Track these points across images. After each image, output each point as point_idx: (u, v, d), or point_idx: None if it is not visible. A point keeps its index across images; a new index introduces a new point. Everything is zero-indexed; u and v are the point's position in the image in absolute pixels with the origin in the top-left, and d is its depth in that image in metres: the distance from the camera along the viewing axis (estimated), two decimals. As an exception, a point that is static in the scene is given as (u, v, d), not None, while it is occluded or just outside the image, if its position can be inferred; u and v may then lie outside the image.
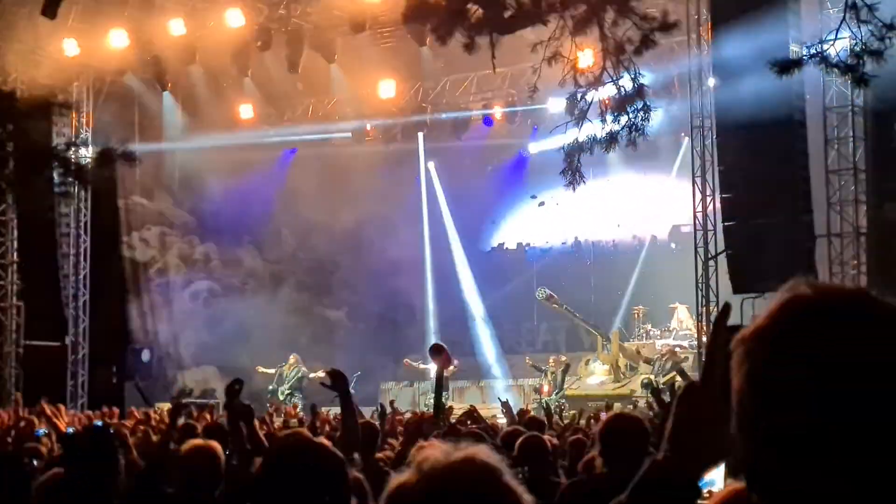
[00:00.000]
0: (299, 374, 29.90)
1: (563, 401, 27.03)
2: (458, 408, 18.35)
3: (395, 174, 36.06)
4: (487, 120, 33.42)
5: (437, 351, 13.10)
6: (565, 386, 28.30)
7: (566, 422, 15.30)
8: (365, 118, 34.20)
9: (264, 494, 3.52)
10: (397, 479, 2.19)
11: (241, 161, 34.37)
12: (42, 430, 12.09)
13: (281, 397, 29.28)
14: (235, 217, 34.98)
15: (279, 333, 32.62)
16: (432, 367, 29.60)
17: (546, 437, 8.73)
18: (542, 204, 35.40)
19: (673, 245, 34.25)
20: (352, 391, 7.41)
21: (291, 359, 30.40)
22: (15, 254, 27.97)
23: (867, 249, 21.02)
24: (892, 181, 19.54)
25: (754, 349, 1.61)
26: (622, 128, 15.44)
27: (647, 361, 27.94)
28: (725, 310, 2.16)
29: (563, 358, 29.96)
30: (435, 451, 2.20)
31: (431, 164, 37.44)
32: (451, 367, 19.11)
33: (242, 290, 35.66)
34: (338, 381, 6.70)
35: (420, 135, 35.57)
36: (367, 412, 17.20)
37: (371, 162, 35.48)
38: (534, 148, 34.97)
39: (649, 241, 35.78)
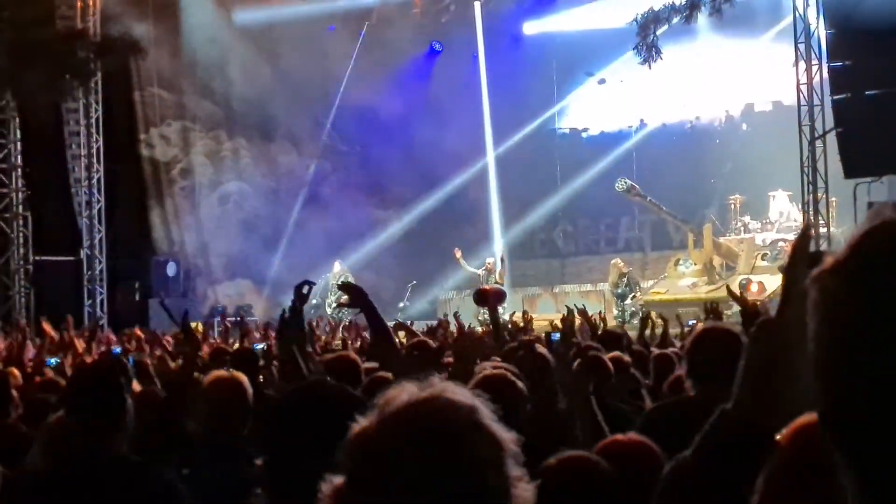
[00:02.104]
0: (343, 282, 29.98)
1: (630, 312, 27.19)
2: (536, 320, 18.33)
3: (448, 53, 35.72)
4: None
5: (482, 299, 13.15)
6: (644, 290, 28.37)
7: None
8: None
9: (273, 446, 3.44)
10: (358, 424, 2.20)
11: (272, 40, 34.16)
12: (53, 359, 12.09)
13: (329, 311, 29.37)
14: (267, 106, 34.84)
15: (322, 239, 32.65)
16: (485, 273, 29.74)
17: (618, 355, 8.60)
18: (602, 82, 35.14)
19: (770, 124, 33.69)
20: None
21: (336, 266, 30.52)
22: (19, 157, 27.96)
23: None
24: None
25: (833, 288, 1.51)
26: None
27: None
28: (805, 234, 2.11)
29: (621, 264, 29.97)
30: (399, 390, 2.20)
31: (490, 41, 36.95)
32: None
33: (278, 192, 35.65)
34: (356, 296, 6.61)
35: (477, 5, 35.20)
36: (424, 327, 17.24)
37: (421, 37, 35.15)
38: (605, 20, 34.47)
39: (745, 119, 35.26)
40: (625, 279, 29.76)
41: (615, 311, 28.27)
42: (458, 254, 31.11)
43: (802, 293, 1.58)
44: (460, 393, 2.21)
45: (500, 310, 13.89)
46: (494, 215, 35.94)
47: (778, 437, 2.21)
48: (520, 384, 5.95)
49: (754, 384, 2.09)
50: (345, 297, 6.73)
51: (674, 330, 15.91)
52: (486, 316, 27.30)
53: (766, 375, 2.07)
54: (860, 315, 1.46)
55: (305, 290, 7.01)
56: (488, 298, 12.97)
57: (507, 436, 2.18)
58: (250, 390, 6.04)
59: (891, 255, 1.48)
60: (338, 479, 2.27)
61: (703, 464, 2.15)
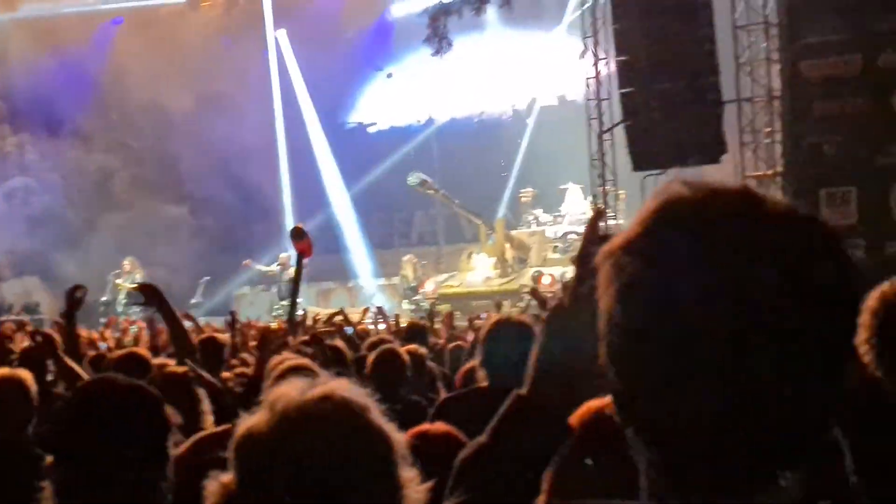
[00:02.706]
0: (138, 281, 29.46)
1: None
2: (325, 313, 18.27)
3: (239, 45, 35.36)
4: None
5: (298, 235, 12.88)
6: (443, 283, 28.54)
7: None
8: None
9: (64, 444, 3.34)
10: (247, 421, 2.17)
11: (57, 33, 33.39)
12: None
13: (119, 309, 28.88)
14: (53, 101, 34.01)
15: (111, 236, 32.06)
16: (279, 269, 29.58)
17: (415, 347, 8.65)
18: (390, 76, 35.33)
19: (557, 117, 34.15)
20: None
21: (126, 263, 29.96)
22: None
23: (781, 115, 21.20)
24: (807, 36, 19.62)
25: (623, 263, 1.51)
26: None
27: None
28: (597, 215, 2.14)
29: (414, 259, 30.26)
30: (289, 387, 2.18)
31: (282, 32, 36.72)
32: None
33: (66, 187, 34.83)
34: (150, 295, 6.55)
35: (267, -2, 35.05)
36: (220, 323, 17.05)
37: (210, 31, 34.73)
38: (398, 10, 34.62)
39: (531, 113, 35.72)
40: (415, 274, 29.97)
41: (406, 306, 28.40)
42: (248, 263, 31.01)
43: (595, 273, 1.56)
44: (352, 391, 2.19)
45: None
46: (287, 210, 35.77)
47: (570, 419, 2.24)
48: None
49: (547, 368, 2.09)
50: (137, 295, 6.66)
51: (461, 323, 16.07)
52: (279, 312, 27.22)
53: (559, 358, 2.07)
54: (652, 290, 1.46)
55: (78, 295, 6.94)
56: (304, 237, 12.68)
57: (398, 437, 2.19)
58: (34, 388, 5.89)
59: (680, 230, 1.48)
60: (225, 477, 2.21)
61: (498, 446, 2.16)
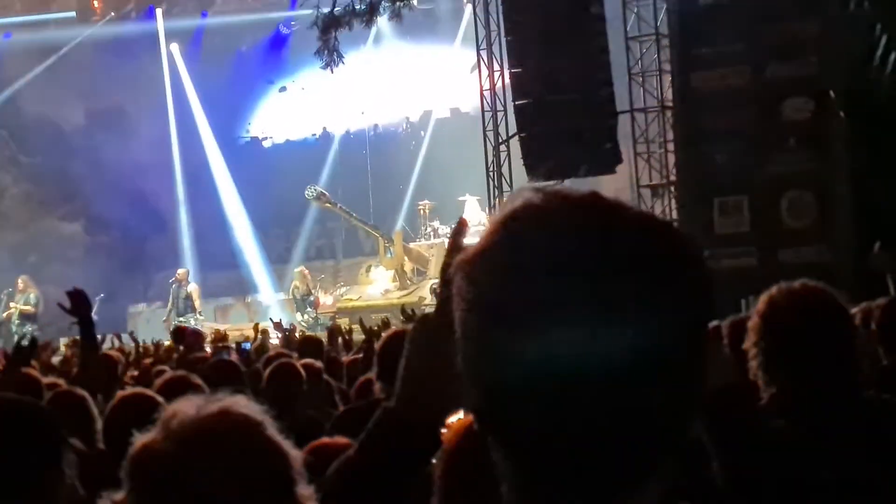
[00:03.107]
0: (32, 300, 29.09)
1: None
2: (223, 329, 18.19)
3: (132, 60, 35.04)
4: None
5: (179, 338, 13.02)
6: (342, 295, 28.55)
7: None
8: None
9: None
10: (141, 439, 2.14)
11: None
12: None
13: (13, 328, 28.50)
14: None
15: (2, 254, 31.62)
16: (175, 285, 29.37)
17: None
18: (283, 89, 35.31)
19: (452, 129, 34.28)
20: (94, 318, 7.17)
21: (20, 282, 29.55)
22: None
23: (674, 125, 21.47)
24: (699, 46, 19.89)
25: (474, 273, 1.50)
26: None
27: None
28: (460, 227, 2.09)
29: (306, 271, 30.27)
30: (185, 405, 2.16)
31: (174, 47, 36.46)
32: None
33: (-48, 205, 34.29)
34: (79, 304, 6.42)
35: (158, 11, 34.72)
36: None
37: (101, 46, 34.41)
38: (290, 24, 34.63)
39: (423, 126, 35.82)
40: (306, 285, 29.91)
41: (300, 318, 28.34)
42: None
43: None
44: (249, 408, 2.18)
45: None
46: (183, 225, 35.48)
47: (442, 436, 2.24)
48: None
49: (412, 381, 2.10)
50: (65, 299, 6.50)
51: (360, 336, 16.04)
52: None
53: (424, 371, 2.07)
54: (500, 301, 1.45)
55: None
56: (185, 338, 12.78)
57: (294, 453, 2.20)
58: None
59: (527, 237, 1.47)
60: (118, 496, 2.18)
61: (366, 461, 2.14)
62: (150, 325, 29.25)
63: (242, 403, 2.19)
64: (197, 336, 14.46)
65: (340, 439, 4.61)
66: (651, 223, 1.52)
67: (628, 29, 22.45)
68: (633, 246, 1.46)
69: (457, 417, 2.36)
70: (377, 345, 6.43)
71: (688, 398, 1.48)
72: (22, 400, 3.45)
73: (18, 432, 3.20)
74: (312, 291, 29.89)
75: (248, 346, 14.66)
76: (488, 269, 1.49)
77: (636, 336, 1.41)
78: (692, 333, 1.48)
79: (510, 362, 1.43)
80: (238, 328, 25.74)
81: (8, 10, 33.59)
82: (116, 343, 16.42)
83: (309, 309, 29.13)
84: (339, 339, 14.95)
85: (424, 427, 2.11)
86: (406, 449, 2.12)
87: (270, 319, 16.23)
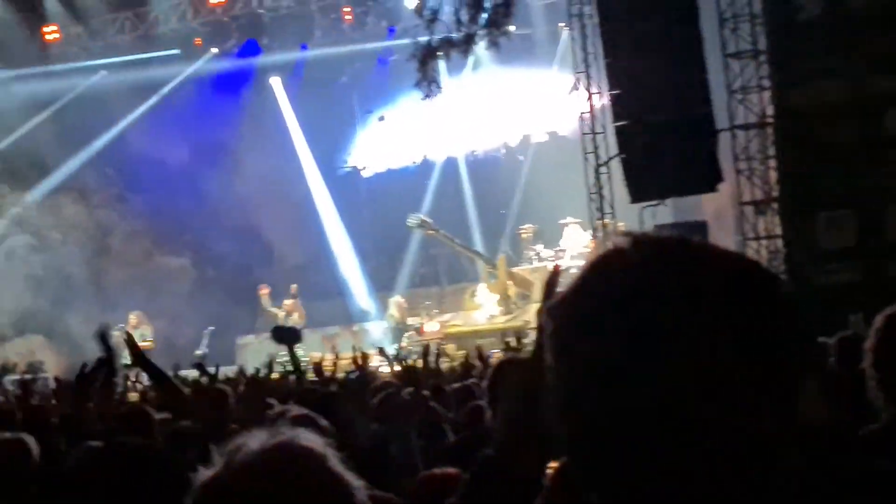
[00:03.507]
0: (149, 335, 29.46)
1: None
2: (330, 358, 18.29)
3: (234, 95, 35.60)
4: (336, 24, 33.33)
5: (279, 338, 13.14)
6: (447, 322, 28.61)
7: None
8: (192, 31, 33.88)
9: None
10: (204, 474, 2.13)
11: (52, 92, 33.68)
12: None
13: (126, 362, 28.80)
14: (50, 156, 34.24)
15: (114, 290, 32.14)
16: (285, 315, 29.65)
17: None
18: (382, 119, 35.52)
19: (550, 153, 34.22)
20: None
21: (133, 318, 29.99)
22: None
23: (775, 141, 21.34)
24: (797, 61, 19.80)
25: (563, 320, 1.53)
26: (480, 26, 15.33)
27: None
28: (555, 272, 2.12)
29: (401, 300, 30.33)
30: (249, 438, 2.15)
31: (276, 80, 36.95)
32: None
33: (65, 244, 34.90)
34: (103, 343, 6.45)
35: (259, 45, 35.23)
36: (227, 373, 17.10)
37: (204, 82, 34.97)
38: (389, 53, 34.91)
39: (522, 150, 35.84)
40: (401, 315, 30.07)
41: (392, 348, 28.49)
42: (265, 290, 30.98)
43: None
44: (311, 440, 2.16)
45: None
46: (289, 255, 35.89)
47: (544, 480, 2.22)
48: (322, 422, 5.97)
49: (512, 428, 2.10)
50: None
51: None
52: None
53: (522, 418, 2.08)
54: (586, 348, 1.47)
55: (115, 335, 6.90)
56: (284, 338, 12.88)
57: (356, 483, 2.15)
58: (36, 451, 5.67)
59: (612, 284, 1.49)
60: None
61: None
62: (258, 357, 29.55)
63: (304, 436, 2.17)
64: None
65: (451, 471, 4.64)
66: (738, 265, 1.54)
67: (726, 46, 22.36)
68: (719, 293, 1.48)
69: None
70: (488, 372, 6.18)
71: (779, 440, 1.49)
72: (146, 445, 3.48)
73: (144, 477, 3.23)
74: (408, 321, 30.01)
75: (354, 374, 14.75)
76: (572, 316, 1.51)
77: (723, 384, 1.44)
78: (782, 376, 1.49)
79: (599, 409, 1.46)
80: (347, 356, 25.95)
81: (113, 50, 34.22)
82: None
83: (406, 336, 29.24)
84: (459, 366, 14.80)
85: (525, 474, 2.11)
86: (507, 497, 2.12)
87: (373, 348, 16.22)
